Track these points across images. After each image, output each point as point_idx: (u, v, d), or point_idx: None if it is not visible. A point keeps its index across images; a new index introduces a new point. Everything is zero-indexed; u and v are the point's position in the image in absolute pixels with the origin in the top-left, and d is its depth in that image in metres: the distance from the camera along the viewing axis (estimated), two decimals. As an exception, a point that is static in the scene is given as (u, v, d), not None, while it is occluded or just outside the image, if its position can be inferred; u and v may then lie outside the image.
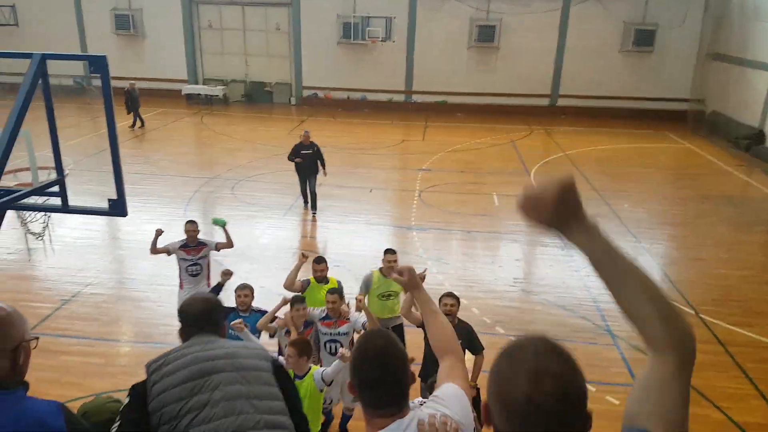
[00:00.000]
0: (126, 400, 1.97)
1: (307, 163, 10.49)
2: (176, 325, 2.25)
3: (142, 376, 1.97)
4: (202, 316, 2.17)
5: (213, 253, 6.62)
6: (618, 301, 1.21)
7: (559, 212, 1.22)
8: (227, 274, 5.68)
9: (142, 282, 7.87)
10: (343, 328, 5.08)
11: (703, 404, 5.55)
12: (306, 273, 5.87)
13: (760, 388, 5.82)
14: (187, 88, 21.86)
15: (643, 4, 19.74)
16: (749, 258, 9.38)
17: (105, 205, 3.31)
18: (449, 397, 1.81)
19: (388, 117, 20.27)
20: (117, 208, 3.12)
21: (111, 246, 9.25)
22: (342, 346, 4.96)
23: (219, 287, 5.69)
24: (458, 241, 9.67)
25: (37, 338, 1.73)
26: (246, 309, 5.14)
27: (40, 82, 2.84)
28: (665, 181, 13.96)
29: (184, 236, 6.40)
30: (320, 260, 5.69)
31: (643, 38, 19.94)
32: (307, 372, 4.25)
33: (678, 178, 14.11)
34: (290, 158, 10.50)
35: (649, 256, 9.19)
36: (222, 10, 21.68)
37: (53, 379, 5.65)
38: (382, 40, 20.48)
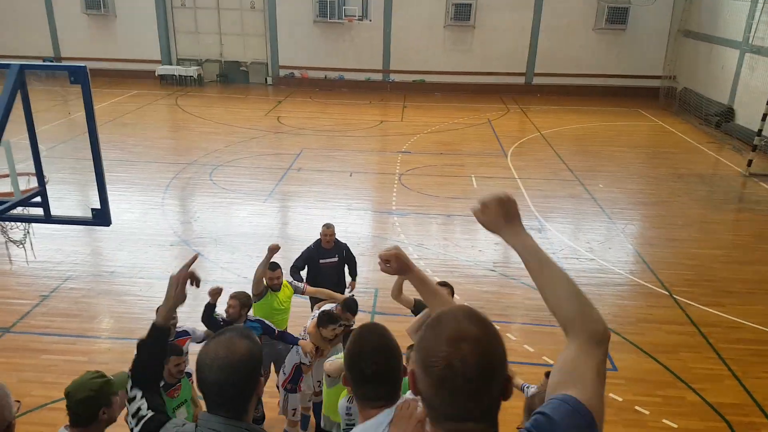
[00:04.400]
0: None
1: (332, 273, 6.09)
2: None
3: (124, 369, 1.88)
4: (220, 388, 1.64)
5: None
6: (542, 292, 1.46)
7: (501, 218, 1.57)
8: (217, 293, 4.60)
9: (122, 275, 7.80)
10: None
11: (678, 386, 5.79)
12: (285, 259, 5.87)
13: (733, 369, 6.06)
14: (161, 69, 21.33)
15: (618, -19, 19.81)
16: (720, 237, 9.68)
17: (87, 211, 3.26)
18: None
19: (366, 97, 20.12)
20: (101, 217, 3.08)
21: (89, 237, 9.11)
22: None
23: (210, 309, 4.60)
24: (438, 226, 9.77)
25: (19, 402, 1.72)
26: (239, 319, 4.64)
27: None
28: (638, 159, 14.23)
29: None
30: (275, 267, 5.21)
31: (616, 16, 20.06)
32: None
33: (651, 157, 14.39)
34: (294, 276, 5.89)
35: (623, 237, 9.42)
36: (194, -12, 21.09)
37: (35, 379, 5.63)
38: (358, 19, 20.24)
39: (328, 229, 6.02)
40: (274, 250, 5.20)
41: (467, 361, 1.14)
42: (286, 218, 10.48)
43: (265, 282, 5.20)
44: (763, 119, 12.72)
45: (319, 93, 20.55)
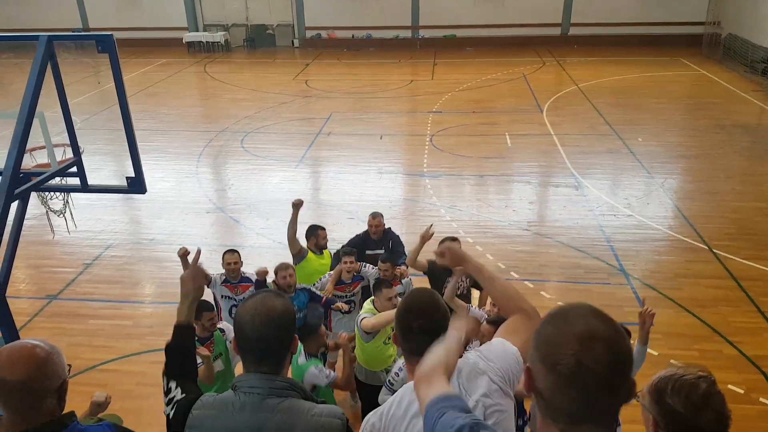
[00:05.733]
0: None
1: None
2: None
3: (169, 335, 1.93)
4: (261, 342, 1.69)
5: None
6: (493, 295, 2.13)
7: (458, 259, 2.09)
8: (264, 273, 4.78)
9: (161, 242, 8.03)
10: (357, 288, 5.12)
11: (716, 339, 5.70)
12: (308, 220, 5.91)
13: (772, 323, 5.92)
14: (188, 36, 21.37)
15: None
16: (763, 189, 9.29)
17: (122, 180, 3.34)
18: (494, 353, 1.86)
19: (395, 55, 19.76)
20: (136, 186, 3.16)
21: (127, 206, 9.39)
22: (355, 305, 5.03)
23: (261, 286, 4.78)
24: (471, 186, 9.67)
25: (70, 365, 1.80)
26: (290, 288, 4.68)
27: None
28: (679, 111, 13.65)
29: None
30: (319, 228, 5.33)
31: (658, -42, 18.97)
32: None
33: (693, 108, 13.79)
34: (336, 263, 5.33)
35: (663, 192, 9.15)
36: (217, -49, 20.85)
37: (85, 342, 5.91)
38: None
39: (375, 219, 5.49)
40: (298, 205, 5.29)
41: (600, 360, 1.11)
42: (317, 183, 10.53)
43: (305, 244, 5.26)
44: (816, 63, 11.97)
45: (346, 53, 20.28)
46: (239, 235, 8.22)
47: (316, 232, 5.38)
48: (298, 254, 5.22)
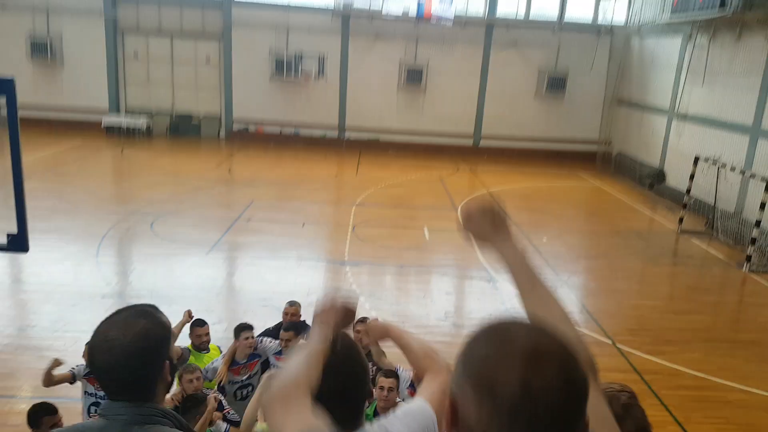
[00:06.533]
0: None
1: None
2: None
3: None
4: (123, 370, 1.49)
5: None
6: (530, 310, 1.35)
7: (487, 227, 1.46)
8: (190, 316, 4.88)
9: (45, 329, 7.24)
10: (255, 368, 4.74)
11: None
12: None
13: (675, 415, 6.14)
14: (108, 119, 20.93)
15: (555, 53, 21.18)
16: (658, 289, 10.04)
17: (2, 239, 3.02)
18: (405, 414, 1.58)
19: (321, 152, 20.32)
20: (17, 243, 2.85)
21: (12, 289, 8.52)
22: (253, 389, 4.64)
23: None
24: (391, 276, 9.72)
25: None
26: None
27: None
28: (579, 217, 14.79)
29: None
30: (201, 323, 4.96)
31: (556, 84, 21.35)
32: None
33: (590, 215, 14.99)
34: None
35: (568, 288, 9.60)
36: (149, 41, 21.14)
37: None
38: (315, 77, 20.69)
39: (292, 307, 5.22)
40: (187, 316, 4.94)
41: (552, 386, 0.88)
42: (232, 269, 10.17)
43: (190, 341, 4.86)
44: (691, 179, 13.56)
45: (273, 147, 20.60)
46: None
47: (191, 330, 4.98)
48: (180, 359, 4.70)
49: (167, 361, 1.62)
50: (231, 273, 9.97)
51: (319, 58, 20.47)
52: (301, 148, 20.72)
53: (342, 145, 21.55)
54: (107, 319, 1.57)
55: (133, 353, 1.51)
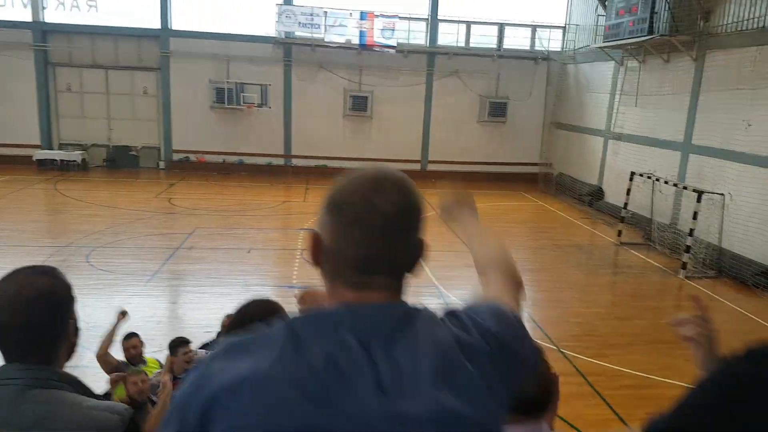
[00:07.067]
0: None
1: None
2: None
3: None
4: (18, 330, 1.40)
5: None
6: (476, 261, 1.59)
7: (457, 212, 1.74)
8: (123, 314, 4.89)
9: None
10: None
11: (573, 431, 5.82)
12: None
13: (619, 413, 6.25)
14: (40, 153, 20.09)
15: (495, 80, 21.99)
16: (600, 297, 10.33)
17: None
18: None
19: (267, 180, 20.09)
20: None
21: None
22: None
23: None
24: (335, 297, 9.57)
25: None
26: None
27: None
28: (523, 233, 15.15)
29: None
30: (130, 335, 4.85)
31: (497, 110, 22.08)
32: None
33: (534, 231, 15.39)
34: None
35: (515, 301, 9.74)
36: (83, 74, 20.59)
37: None
38: (258, 106, 20.61)
39: (128, 341, 4.88)
40: (121, 316, 4.80)
41: (391, 200, 1.08)
42: (173, 297, 9.79)
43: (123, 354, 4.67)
44: (628, 194, 14.18)
45: (217, 176, 20.24)
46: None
47: (122, 342, 4.83)
48: (116, 371, 4.51)
49: (73, 322, 1.51)
50: (173, 301, 9.59)
51: (262, 87, 20.43)
52: (246, 176, 20.47)
53: (289, 172, 21.43)
54: (5, 276, 1.45)
55: (34, 309, 1.40)
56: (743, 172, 11.69)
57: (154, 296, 9.48)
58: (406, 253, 1.12)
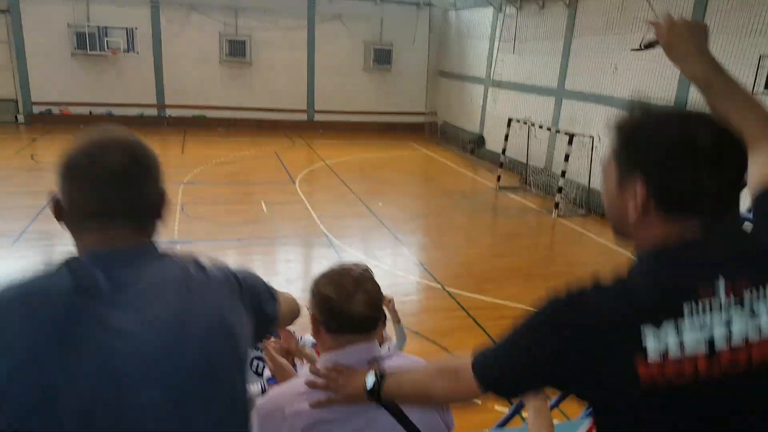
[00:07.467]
0: None
1: None
2: None
3: None
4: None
5: None
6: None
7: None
8: None
9: None
10: None
11: (454, 360, 6.37)
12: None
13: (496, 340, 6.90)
14: None
15: (379, 25, 21.84)
16: (480, 239, 11.11)
17: None
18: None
19: (140, 132, 18.19)
20: None
21: None
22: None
23: None
24: (230, 250, 9.43)
25: None
26: None
27: None
28: (411, 182, 15.69)
29: None
30: None
31: (382, 57, 22.06)
32: None
33: (422, 180, 15.99)
34: None
35: (405, 246, 10.21)
36: None
37: None
38: (124, 51, 18.92)
39: None
40: None
41: (114, 158, 1.22)
42: (44, 258, 8.99)
43: None
44: (506, 140, 15.10)
45: (83, 129, 18.46)
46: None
47: None
48: None
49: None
50: (44, 262, 8.87)
51: (127, 30, 18.75)
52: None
53: (164, 123, 20.15)
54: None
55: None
56: (610, 115, 12.74)
57: (23, 257, 8.72)
58: (141, 202, 1.25)
